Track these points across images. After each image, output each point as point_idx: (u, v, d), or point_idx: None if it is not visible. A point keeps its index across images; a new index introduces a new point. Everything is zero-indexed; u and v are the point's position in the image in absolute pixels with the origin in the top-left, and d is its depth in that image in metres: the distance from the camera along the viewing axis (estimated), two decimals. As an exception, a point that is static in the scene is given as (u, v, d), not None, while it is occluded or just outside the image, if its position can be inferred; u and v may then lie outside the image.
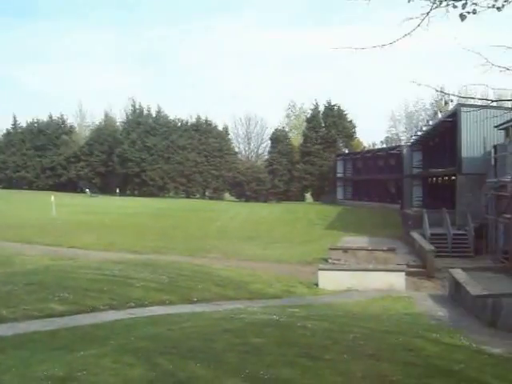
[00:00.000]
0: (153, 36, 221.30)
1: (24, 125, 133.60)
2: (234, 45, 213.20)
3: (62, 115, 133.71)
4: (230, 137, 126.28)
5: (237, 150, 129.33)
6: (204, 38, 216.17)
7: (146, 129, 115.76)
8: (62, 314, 18.05)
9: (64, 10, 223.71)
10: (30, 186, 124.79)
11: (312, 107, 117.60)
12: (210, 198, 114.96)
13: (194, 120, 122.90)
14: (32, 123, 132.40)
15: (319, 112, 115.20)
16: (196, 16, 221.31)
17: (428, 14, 7.63)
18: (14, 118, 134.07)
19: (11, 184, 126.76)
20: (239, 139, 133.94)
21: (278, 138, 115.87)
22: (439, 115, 65.70)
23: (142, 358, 11.29)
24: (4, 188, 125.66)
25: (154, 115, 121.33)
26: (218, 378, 9.98)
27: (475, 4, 7.46)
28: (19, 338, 14.51)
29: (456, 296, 25.04)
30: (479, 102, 47.49)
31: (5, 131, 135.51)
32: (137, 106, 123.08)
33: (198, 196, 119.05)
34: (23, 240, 43.71)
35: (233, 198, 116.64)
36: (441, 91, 11.63)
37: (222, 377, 10.07)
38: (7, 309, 17.62)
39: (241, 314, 17.84)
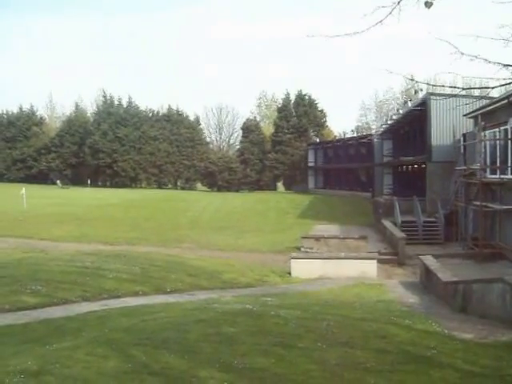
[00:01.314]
0: (122, 25, 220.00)
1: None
2: (205, 35, 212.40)
3: (32, 107, 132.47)
4: (201, 127, 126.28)
5: (208, 140, 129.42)
6: (174, 27, 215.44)
7: (117, 119, 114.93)
8: (34, 307, 18.00)
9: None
10: (1, 178, 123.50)
11: (283, 97, 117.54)
12: (182, 188, 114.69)
13: (165, 110, 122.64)
14: (1, 115, 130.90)
15: (290, 101, 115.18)
16: (165, 5, 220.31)
17: (399, 2, 7.65)
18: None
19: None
20: (211, 129, 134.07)
21: (250, 128, 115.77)
22: (409, 104, 65.82)
23: (116, 349, 11.28)
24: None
25: (124, 106, 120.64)
26: (193, 369, 10.00)
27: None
28: (-10, 332, 14.44)
29: (427, 283, 25.22)
30: (448, 91, 47.81)
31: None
32: (107, 97, 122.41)
33: (170, 186, 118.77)
34: (-7, 233, 43.31)
35: (205, 188, 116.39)
36: (411, 79, 11.64)
37: (196, 367, 10.10)
38: (-22, 302, 17.52)
39: (214, 303, 17.88)
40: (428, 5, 7.37)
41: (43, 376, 9.58)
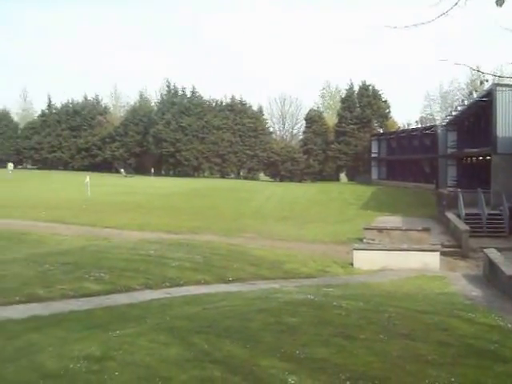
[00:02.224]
0: (188, 15, 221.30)
1: (59, 106, 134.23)
2: (270, 25, 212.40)
3: (96, 96, 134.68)
4: (264, 117, 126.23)
5: (271, 130, 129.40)
6: (240, 18, 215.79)
7: (180, 109, 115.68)
8: (97, 294, 18.18)
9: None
10: (66, 166, 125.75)
11: (347, 87, 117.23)
12: (245, 178, 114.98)
13: (228, 100, 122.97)
14: (67, 104, 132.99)
15: (354, 92, 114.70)
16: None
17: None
18: (49, 98, 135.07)
19: (46, 164, 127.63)
20: (274, 119, 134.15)
21: (313, 118, 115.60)
22: (474, 95, 64.96)
23: (178, 337, 11.36)
24: (39, 168, 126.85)
25: (188, 95, 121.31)
26: (254, 358, 10.03)
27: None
28: (55, 318, 14.63)
29: (490, 276, 24.89)
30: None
31: (40, 112, 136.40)
32: (171, 87, 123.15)
33: (232, 176, 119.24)
34: (58, 220, 43.87)
35: (267, 178, 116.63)
36: (477, 70, 11.48)
37: (258, 356, 10.12)
38: (44, 288, 17.77)
39: (276, 293, 17.87)
40: (499, 3, 7.23)
41: (106, 362, 9.72)
